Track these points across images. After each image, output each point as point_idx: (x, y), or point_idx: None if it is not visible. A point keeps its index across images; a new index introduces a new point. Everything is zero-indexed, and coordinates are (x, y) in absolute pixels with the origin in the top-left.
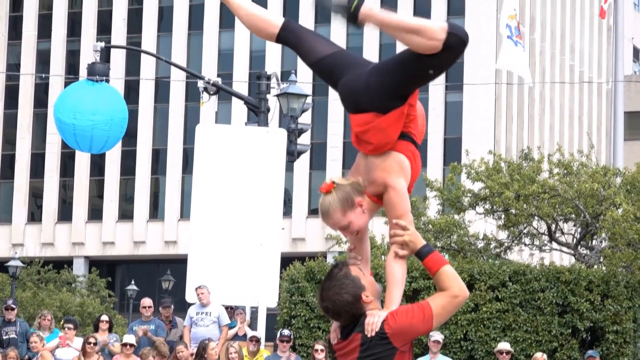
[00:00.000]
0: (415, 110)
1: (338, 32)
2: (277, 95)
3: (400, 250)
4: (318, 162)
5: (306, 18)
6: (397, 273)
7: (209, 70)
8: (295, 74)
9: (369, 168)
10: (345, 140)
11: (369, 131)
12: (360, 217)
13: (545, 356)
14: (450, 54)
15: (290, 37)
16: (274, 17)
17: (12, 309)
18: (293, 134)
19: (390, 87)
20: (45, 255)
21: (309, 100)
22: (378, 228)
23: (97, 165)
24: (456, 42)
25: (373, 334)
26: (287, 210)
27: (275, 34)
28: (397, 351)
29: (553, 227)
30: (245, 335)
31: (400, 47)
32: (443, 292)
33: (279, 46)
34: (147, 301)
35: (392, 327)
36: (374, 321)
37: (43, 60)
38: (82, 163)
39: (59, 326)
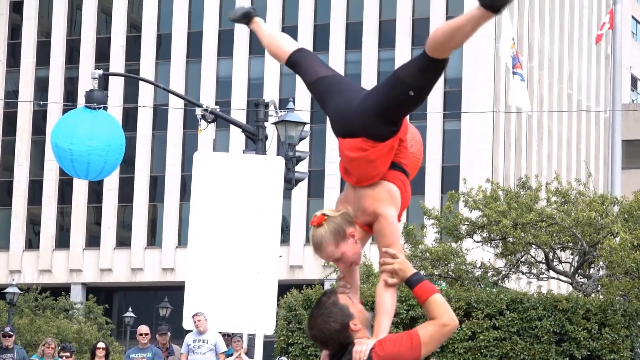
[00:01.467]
0: (406, 143)
1: (337, 56)
2: (275, 123)
3: (390, 279)
4: (316, 190)
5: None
6: (387, 302)
7: (207, 97)
8: (294, 102)
9: (359, 197)
10: None
11: (357, 161)
12: (353, 247)
13: None
14: (430, 72)
15: (300, 58)
16: (292, 42)
17: (10, 336)
18: (291, 161)
19: (375, 108)
20: (43, 282)
21: (307, 128)
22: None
23: (95, 192)
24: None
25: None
26: (285, 238)
27: (289, 53)
28: None
29: (550, 255)
30: None
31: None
32: (432, 320)
33: (277, 74)
34: (143, 328)
35: (380, 355)
36: (361, 349)
37: (41, 87)
38: (80, 190)
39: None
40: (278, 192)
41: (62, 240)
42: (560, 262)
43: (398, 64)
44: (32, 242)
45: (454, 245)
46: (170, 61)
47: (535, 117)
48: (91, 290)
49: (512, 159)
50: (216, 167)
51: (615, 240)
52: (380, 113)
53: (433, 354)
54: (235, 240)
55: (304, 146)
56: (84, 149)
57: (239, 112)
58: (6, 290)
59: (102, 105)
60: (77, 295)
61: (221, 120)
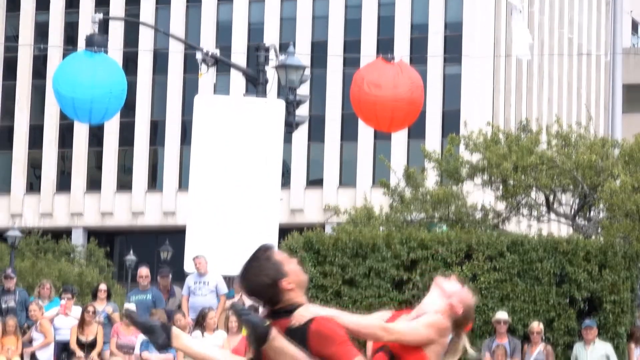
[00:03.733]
0: None
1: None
2: (276, 67)
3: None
4: (316, 134)
5: None
6: (366, 319)
7: (208, 42)
8: (294, 46)
9: None
10: (344, 111)
11: None
12: None
13: (542, 325)
14: None
15: None
16: None
17: (11, 278)
18: (291, 105)
19: None
20: (44, 226)
21: (307, 72)
22: (377, 199)
23: (96, 136)
24: None
25: (297, 324)
26: (285, 181)
27: None
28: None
29: (551, 198)
30: (243, 304)
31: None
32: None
33: (277, 18)
34: (144, 270)
35: (314, 329)
36: (303, 314)
37: (41, 32)
38: (81, 134)
39: (58, 295)
40: (278, 135)
41: (63, 184)
42: (561, 204)
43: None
44: (33, 185)
45: (454, 188)
46: (170, 5)
47: (535, 61)
48: (92, 233)
49: (513, 102)
50: (217, 110)
51: (616, 182)
52: None
53: None
54: (236, 183)
55: (304, 90)
56: (86, 97)
57: (239, 56)
58: (7, 233)
59: (102, 49)
60: (78, 238)
61: (222, 64)
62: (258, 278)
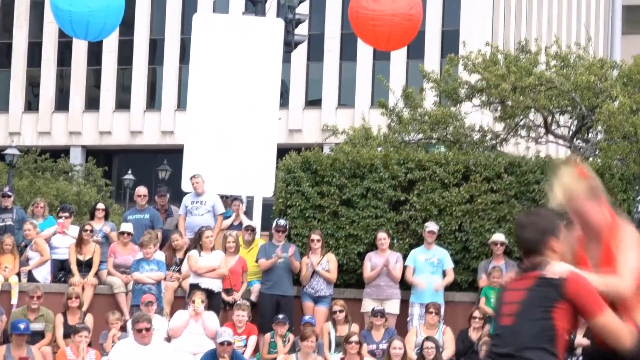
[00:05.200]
0: None
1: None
2: None
3: None
4: (315, 53)
5: None
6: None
7: None
8: None
9: None
10: (343, 31)
11: None
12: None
13: None
14: None
15: None
16: None
17: (9, 197)
18: (290, 24)
19: None
20: (42, 144)
21: None
22: (375, 119)
23: (94, 54)
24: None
25: (552, 275)
26: (284, 101)
27: None
28: (559, 303)
29: (549, 119)
30: (240, 224)
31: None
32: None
33: None
34: (141, 190)
35: (569, 289)
36: (556, 269)
37: None
38: (79, 52)
39: (54, 214)
40: (277, 54)
41: (62, 102)
42: (559, 126)
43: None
44: (32, 104)
45: (452, 108)
46: None
47: None
48: (90, 152)
49: (512, 22)
50: (215, 28)
51: (614, 104)
52: None
53: (431, 217)
54: (234, 103)
55: (303, 9)
56: (83, 10)
57: None
58: (5, 151)
59: None
60: (76, 157)
61: None
62: (533, 227)
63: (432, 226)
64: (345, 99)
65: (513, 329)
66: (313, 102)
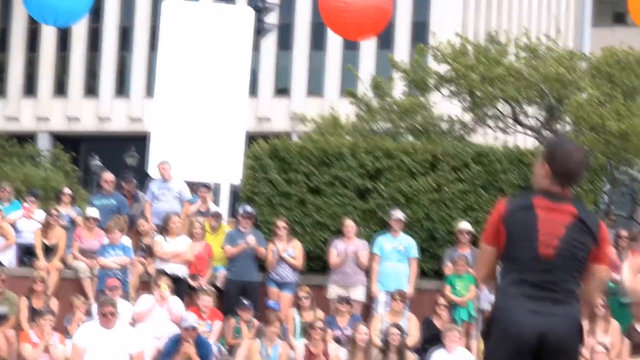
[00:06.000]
0: None
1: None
2: None
3: None
4: (285, 42)
5: None
6: None
7: None
8: None
9: None
10: (313, 20)
11: None
12: None
13: None
14: None
15: None
16: None
17: None
18: (260, 12)
19: None
20: (10, 129)
21: None
22: (344, 108)
23: (63, 40)
24: None
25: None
26: (253, 90)
27: None
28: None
29: (517, 110)
30: (207, 211)
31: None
32: None
33: None
34: (108, 175)
35: (603, 226)
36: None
37: None
38: (49, 38)
39: (20, 198)
40: (247, 42)
41: (30, 88)
42: (527, 116)
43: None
44: (0, 89)
45: (421, 98)
46: None
47: None
48: (58, 138)
49: (482, 14)
50: (185, 16)
51: (583, 96)
52: None
53: (398, 206)
54: (203, 90)
55: None
56: None
57: None
58: None
59: None
60: (44, 143)
61: None
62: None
63: (398, 214)
64: (315, 88)
65: None
66: (282, 90)
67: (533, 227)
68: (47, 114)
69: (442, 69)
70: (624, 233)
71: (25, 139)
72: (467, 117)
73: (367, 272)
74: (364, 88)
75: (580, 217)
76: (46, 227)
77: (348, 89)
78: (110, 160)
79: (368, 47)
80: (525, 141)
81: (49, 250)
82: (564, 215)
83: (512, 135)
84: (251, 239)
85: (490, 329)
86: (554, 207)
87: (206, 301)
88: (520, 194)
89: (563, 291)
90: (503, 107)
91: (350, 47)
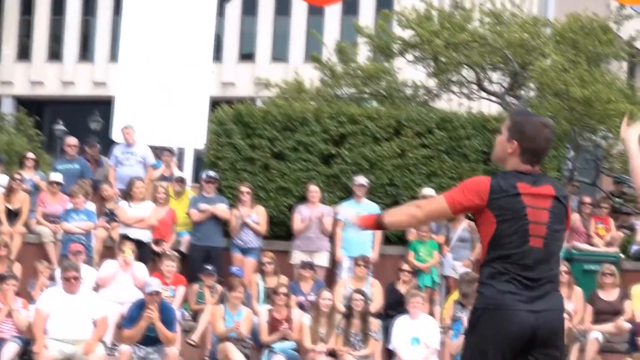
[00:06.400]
0: None
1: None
2: None
3: None
4: (249, 7)
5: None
6: None
7: None
8: None
9: None
10: None
11: None
12: None
13: None
14: None
15: None
16: None
17: None
18: None
19: None
20: None
21: None
22: (308, 73)
23: (27, 4)
24: None
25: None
26: (218, 55)
27: None
28: None
29: (482, 76)
30: (171, 175)
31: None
32: None
33: None
34: (71, 140)
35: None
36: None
37: None
38: (12, 2)
39: None
40: (211, 7)
41: None
42: (491, 82)
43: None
44: None
45: (385, 64)
46: None
47: None
48: (22, 102)
49: None
50: None
51: (547, 62)
52: None
53: (362, 171)
54: (168, 55)
55: None
56: None
57: None
58: None
59: None
60: (7, 107)
61: None
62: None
63: (361, 180)
64: (279, 53)
65: None
66: (246, 56)
67: (523, 218)
68: (11, 78)
69: (407, 34)
70: (587, 200)
71: None
72: (432, 83)
73: (331, 237)
74: (328, 53)
75: (557, 197)
76: (9, 191)
77: (312, 55)
78: (74, 124)
79: (333, 13)
80: (490, 107)
81: (12, 215)
82: (545, 200)
83: (476, 102)
84: (217, 209)
85: (478, 323)
86: (537, 192)
87: (169, 266)
88: (501, 176)
89: (551, 281)
90: (467, 73)
91: (315, 12)
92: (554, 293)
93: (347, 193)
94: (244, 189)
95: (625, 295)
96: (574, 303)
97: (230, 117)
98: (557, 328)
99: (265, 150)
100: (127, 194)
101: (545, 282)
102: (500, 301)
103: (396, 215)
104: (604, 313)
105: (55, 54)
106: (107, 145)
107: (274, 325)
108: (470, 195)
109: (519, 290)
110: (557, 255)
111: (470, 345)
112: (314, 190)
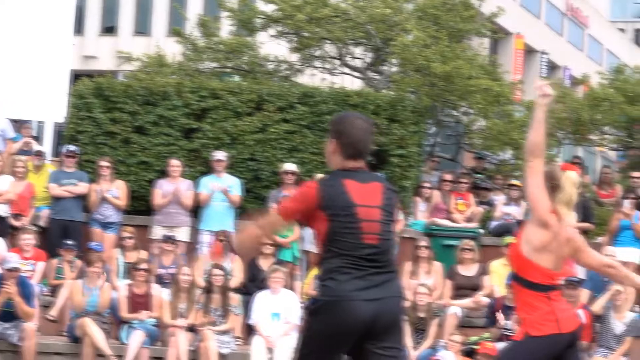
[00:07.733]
0: None
1: None
2: None
3: None
4: None
5: None
6: None
7: None
8: None
9: None
10: None
11: None
12: None
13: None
14: None
15: None
16: None
17: None
18: None
19: None
20: None
21: None
22: (171, 47)
23: None
24: None
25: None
26: (79, 28)
27: None
28: None
29: (344, 51)
30: (30, 150)
31: None
32: None
33: None
34: None
35: None
36: None
37: None
38: None
39: None
40: None
41: None
42: (354, 58)
43: None
44: None
45: (248, 38)
46: None
47: None
48: None
49: None
50: None
51: (408, 37)
52: None
53: (224, 146)
54: (27, 27)
55: None
56: None
57: None
58: None
59: None
60: None
61: None
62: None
63: (219, 155)
64: (141, 27)
65: None
66: (109, 29)
67: (354, 216)
68: None
69: (270, 9)
70: (447, 176)
71: None
72: (294, 58)
73: (192, 212)
74: (191, 27)
75: (386, 186)
76: None
77: (175, 28)
78: None
79: None
80: (352, 82)
81: None
82: (375, 194)
83: (338, 77)
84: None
85: (317, 312)
86: (365, 189)
87: (27, 239)
88: (328, 177)
89: (388, 270)
90: (330, 48)
91: None
92: (393, 282)
93: (208, 168)
94: (104, 163)
95: (484, 271)
96: (433, 278)
97: (91, 91)
98: (396, 314)
99: (126, 125)
100: None
101: (383, 271)
102: (339, 292)
103: (244, 239)
104: (463, 288)
105: None
106: None
107: (133, 300)
108: (299, 201)
109: (357, 281)
110: (391, 246)
111: (306, 332)
112: (175, 164)
